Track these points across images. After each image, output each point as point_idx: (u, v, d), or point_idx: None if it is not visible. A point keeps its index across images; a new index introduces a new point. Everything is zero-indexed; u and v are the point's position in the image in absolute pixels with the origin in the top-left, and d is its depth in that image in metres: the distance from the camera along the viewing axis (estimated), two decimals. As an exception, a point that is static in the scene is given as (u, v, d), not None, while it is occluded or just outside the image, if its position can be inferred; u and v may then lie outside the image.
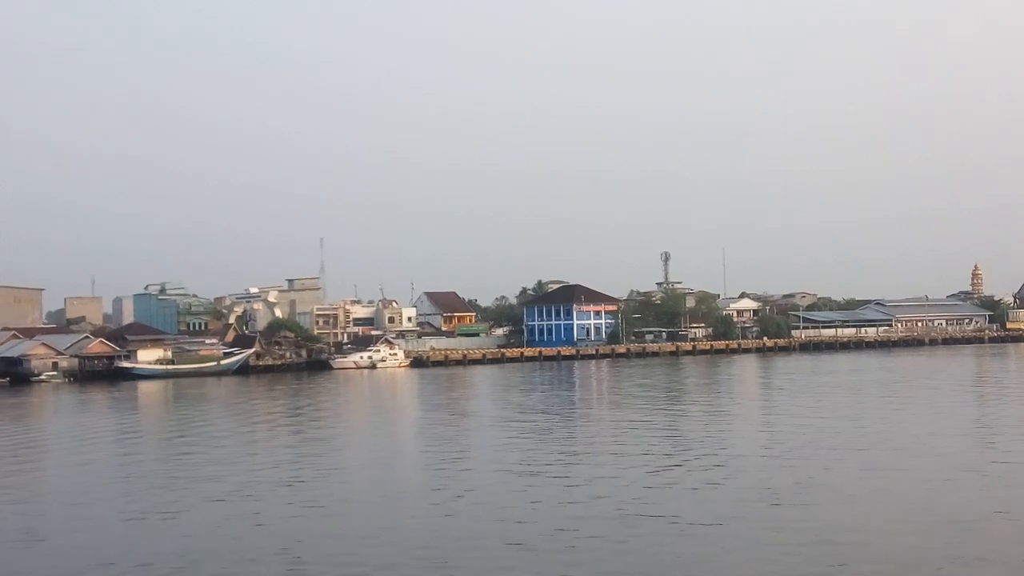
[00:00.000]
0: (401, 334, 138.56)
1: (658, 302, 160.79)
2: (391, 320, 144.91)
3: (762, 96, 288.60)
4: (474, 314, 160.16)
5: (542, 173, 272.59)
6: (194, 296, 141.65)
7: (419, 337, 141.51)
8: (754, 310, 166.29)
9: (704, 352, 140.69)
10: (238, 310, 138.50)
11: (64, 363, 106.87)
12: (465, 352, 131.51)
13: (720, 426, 48.81)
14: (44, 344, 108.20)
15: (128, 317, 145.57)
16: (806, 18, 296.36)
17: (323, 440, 48.69)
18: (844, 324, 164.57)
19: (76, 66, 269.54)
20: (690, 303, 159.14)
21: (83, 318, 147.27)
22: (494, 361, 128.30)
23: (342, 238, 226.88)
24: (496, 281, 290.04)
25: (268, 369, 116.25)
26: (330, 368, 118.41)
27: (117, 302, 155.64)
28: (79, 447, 47.78)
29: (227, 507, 29.60)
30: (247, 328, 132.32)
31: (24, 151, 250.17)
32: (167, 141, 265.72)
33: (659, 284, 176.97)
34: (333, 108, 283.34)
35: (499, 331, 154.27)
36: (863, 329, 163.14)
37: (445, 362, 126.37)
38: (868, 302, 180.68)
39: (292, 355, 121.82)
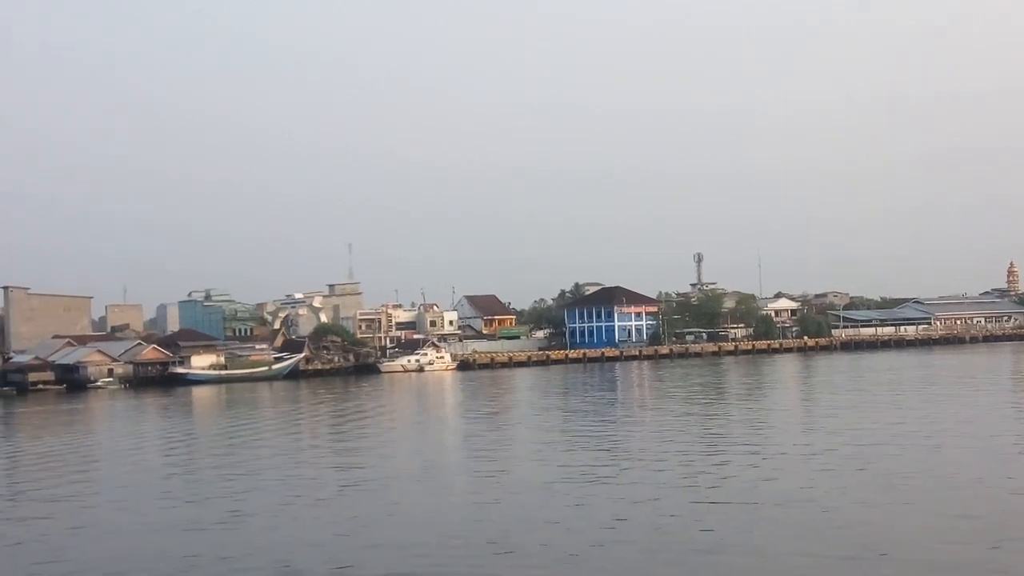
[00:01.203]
0: (443, 337, 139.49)
1: (696, 303, 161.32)
2: (433, 324, 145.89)
3: (765, 95, 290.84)
4: (514, 317, 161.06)
5: (556, 175, 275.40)
6: (239, 303, 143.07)
7: (460, 340, 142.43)
8: (792, 310, 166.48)
9: (746, 352, 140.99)
10: (282, 315, 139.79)
11: (119, 369, 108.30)
12: (511, 355, 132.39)
13: (815, 420, 49.45)
14: (99, 351, 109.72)
15: (173, 324, 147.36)
16: (808, 17, 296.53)
17: (431, 443, 49.56)
18: (883, 323, 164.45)
19: (76, 67, 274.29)
20: (729, 303, 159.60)
21: (127, 325, 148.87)
22: (539, 363, 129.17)
23: (359, 242, 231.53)
24: (522, 284, 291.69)
25: (318, 373, 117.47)
26: (378, 372, 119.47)
27: (161, 309, 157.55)
28: (183, 450, 48.79)
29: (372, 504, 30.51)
30: (293, 334, 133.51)
31: (44, 159, 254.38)
32: (162, 143, 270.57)
33: (693, 285, 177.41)
34: (345, 111, 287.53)
35: (539, 333, 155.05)
36: (902, 328, 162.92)
37: (491, 364, 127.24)
38: (904, 300, 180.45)
39: (340, 359, 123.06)
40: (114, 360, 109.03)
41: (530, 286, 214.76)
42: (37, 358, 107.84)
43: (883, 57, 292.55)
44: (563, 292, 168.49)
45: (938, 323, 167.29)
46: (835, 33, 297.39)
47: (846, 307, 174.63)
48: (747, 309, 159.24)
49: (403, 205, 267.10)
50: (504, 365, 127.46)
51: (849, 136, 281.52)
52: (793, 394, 71.21)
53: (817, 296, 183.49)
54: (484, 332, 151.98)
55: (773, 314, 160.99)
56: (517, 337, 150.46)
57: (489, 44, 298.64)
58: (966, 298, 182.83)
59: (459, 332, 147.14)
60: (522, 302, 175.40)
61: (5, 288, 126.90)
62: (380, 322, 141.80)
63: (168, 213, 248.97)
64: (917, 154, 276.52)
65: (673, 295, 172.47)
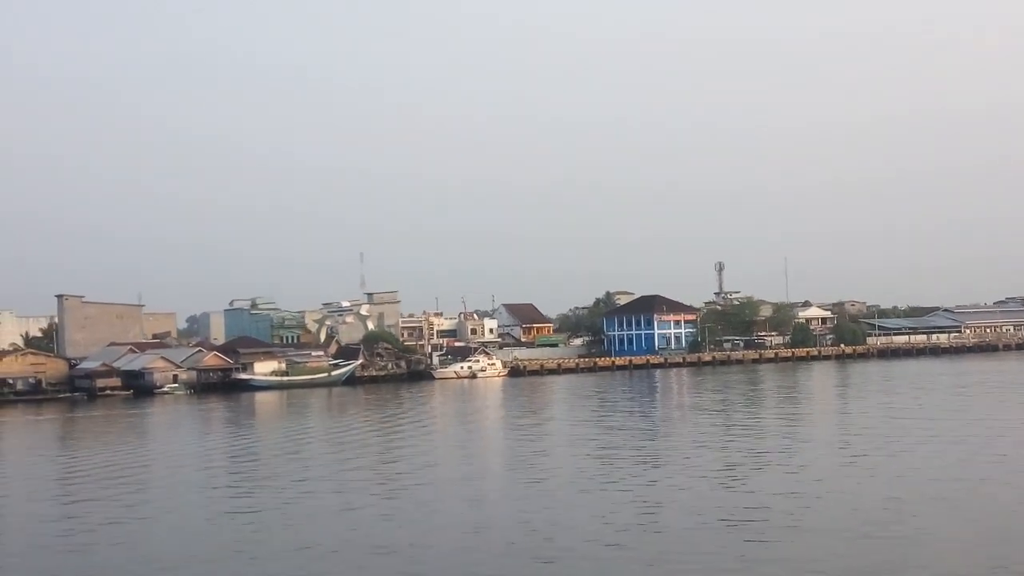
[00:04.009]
0: (484, 345, 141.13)
1: (732, 311, 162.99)
2: (473, 332, 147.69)
3: (775, 110, 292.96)
4: (551, 325, 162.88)
5: (579, 189, 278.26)
6: (286, 311, 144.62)
7: (500, 348, 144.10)
8: (823, 318, 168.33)
9: (785, 359, 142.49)
10: (329, 323, 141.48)
11: (183, 375, 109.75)
12: (559, 362, 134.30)
13: (909, 420, 51.37)
14: (163, 358, 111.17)
15: (216, 331, 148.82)
16: (834, 28, 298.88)
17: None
18: (914, 331, 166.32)
19: (103, 99, 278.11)
20: (765, 311, 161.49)
21: (168, 333, 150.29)
22: (587, 370, 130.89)
23: (387, 254, 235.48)
24: (550, 293, 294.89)
25: (373, 379, 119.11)
26: (431, 378, 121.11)
27: (203, 317, 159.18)
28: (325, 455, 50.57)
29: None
30: (337, 342, 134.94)
31: (69, 182, 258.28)
32: (167, 161, 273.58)
33: (716, 293, 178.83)
34: (374, 132, 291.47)
35: (577, 341, 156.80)
36: (934, 336, 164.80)
37: (540, 371, 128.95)
38: (927, 309, 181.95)
39: (393, 366, 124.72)
40: (177, 366, 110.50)
41: (558, 295, 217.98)
42: (104, 364, 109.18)
43: (908, 70, 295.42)
44: (598, 300, 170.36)
45: (968, 331, 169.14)
46: (861, 43, 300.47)
47: (867, 316, 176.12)
48: (782, 317, 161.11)
49: (439, 219, 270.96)
50: (552, 372, 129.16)
51: (867, 149, 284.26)
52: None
53: (835, 305, 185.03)
54: (523, 340, 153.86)
55: (805, 322, 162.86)
56: (555, 345, 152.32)
57: (519, 63, 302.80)
58: (993, 306, 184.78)
59: (499, 340, 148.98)
60: (550, 310, 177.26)
61: (60, 296, 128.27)
62: (423, 330, 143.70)
63: (180, 230, 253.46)
64: (934, 167, 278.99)
65: (700, 304, 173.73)
